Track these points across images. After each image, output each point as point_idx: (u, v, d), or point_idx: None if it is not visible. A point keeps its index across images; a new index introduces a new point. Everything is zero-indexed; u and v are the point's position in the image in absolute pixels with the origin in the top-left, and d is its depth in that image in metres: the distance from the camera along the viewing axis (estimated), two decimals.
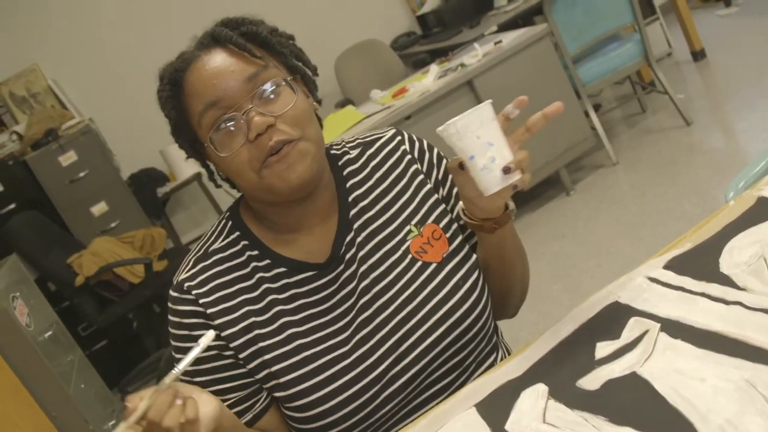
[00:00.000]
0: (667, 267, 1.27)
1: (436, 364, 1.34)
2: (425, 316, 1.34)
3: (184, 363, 1.11)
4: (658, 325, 1.14)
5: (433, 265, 1.38)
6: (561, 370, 1.15)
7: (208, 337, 1.14)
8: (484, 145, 1.17)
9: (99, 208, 5.44)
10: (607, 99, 5.84)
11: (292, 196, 1.29)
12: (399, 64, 6.11)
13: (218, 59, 1.27)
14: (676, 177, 4.08)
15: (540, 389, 1.13)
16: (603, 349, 1.15)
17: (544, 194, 4.71)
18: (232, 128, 1.25)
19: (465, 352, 1.37)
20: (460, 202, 1.36)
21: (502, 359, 1.45)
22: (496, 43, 4.43)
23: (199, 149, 1.33)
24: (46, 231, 4.86)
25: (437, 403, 1.34)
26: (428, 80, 4.38)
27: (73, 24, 6.01)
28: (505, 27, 5.09)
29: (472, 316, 1.36)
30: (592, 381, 1.09)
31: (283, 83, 1.28)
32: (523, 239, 1.46)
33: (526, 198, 4.66)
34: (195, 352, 1.12)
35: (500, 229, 1.33)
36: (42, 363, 3.34)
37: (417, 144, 1.48)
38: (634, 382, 1.05)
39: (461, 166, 1.21)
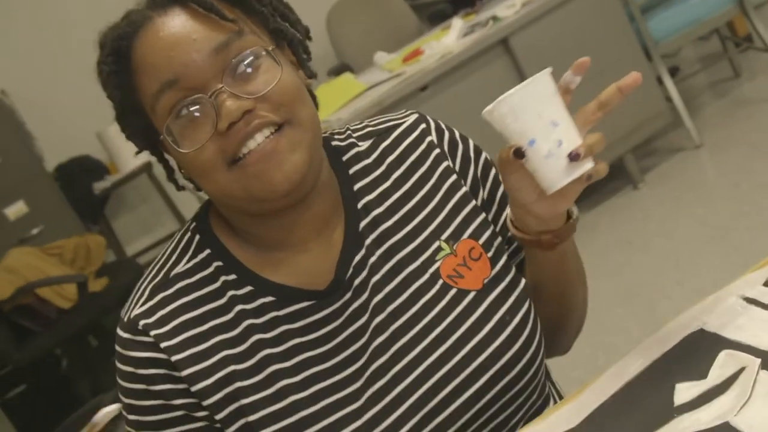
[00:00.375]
0: None
1: (474, 426, 1.31)
2: (462, 362, 1.30)
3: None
4: (759, 360, 1.13)
5: (472, 294, 1.35)
6: (629, 420, 1.15)
7: None
8: (547, 125, 1.17)
9: (15, 210, 5.46)
10: (687, 60, 5.86)
11: (276, 204, 1.26)
12: (411, 18, 6.12)
13: (176, 23, 1.23)
14: None
15: None
16: (685, 392, 1.15)
17: (603, 188, 4.71)
18: (196, 114, 1.22)
19: (512, 408, 1.34)
20: (508, 210, 1.34)
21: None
22: None
23: (153, 140, 1.30)
24: None
25: None
26: (450, 39, 4.39)
27: None
28: None
29: (523, 362, 1.33)
30: None
31: (264, 54, 1.24)
32: None
33: (581, 193, 4.64)
34: None
35: (561, 245, 1.32)
36: None
37: (447, 134, 1.45)
38: None
39: (518, 154, 1.18)
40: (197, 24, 1.23)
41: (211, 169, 1.23)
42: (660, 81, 4.56)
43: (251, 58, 1.23)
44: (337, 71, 5.23)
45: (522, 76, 4.24)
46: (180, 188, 1.40)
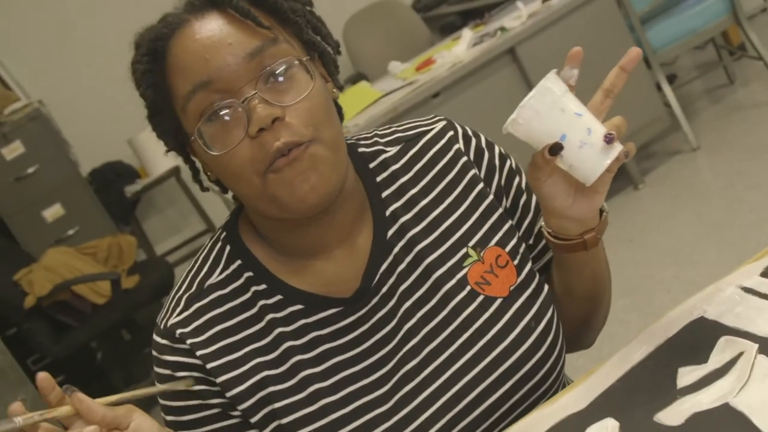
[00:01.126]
0: (765, 274, 1.27)
1: (500, 427, 1.30)
2: (488, 367, 1.29)
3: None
4: (756, 345, 1.13)
5: (499, 301, 1.32)
6: (634, 403, 1.15)
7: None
8: (572, 116, 1.16)
9: (53, 212, 5.47)
10: (684, 68, 5.83)
11: (305, 214, 1.23)
12: (423, 29, 6.11)
13: (213, 26, 1.20)
14: None
15: (609, 425, 1.13)
16: (687, 375, 1.15)
17: None
18: (226, 118, 1.19)
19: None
20: (542, 222, 1.33)
21: None
22: (544, 1, 4.44)
23: (183, 141, 1.28)
24: None
25: None
26: (460, 48, 4.39)
27: None
28: None
29: (547, 366, 1.32)
30: (674, 415, 1.09)
31: (297, 63, 1.21)
32: None
33: None
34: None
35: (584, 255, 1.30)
36: None
37: (474, 141, 1.41)
38: (726, 415, 1.05)
39: (554, 149, 1.16)
40: (233, 29, 1.20)
41: (240, 174, 1.20)
42: (659, 87, 4.56)
43: (284, 66, 1.20)
44: (353, 80, 5.22)
45: (528, 84, 4.24)
46: (204, 189, 1.39)
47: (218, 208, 5.82)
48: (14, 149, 5.37)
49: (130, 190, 6.01)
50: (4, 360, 3.88)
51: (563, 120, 1.16)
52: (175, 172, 6.03)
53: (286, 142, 1.17)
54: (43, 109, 5.64)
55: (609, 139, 1.16)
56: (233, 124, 1.19)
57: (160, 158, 5.92)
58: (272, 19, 1.24)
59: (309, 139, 1.19)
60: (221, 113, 1.19)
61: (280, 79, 1.20)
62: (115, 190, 5.93)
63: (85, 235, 5.39)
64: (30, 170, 5.41)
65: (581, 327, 1.47)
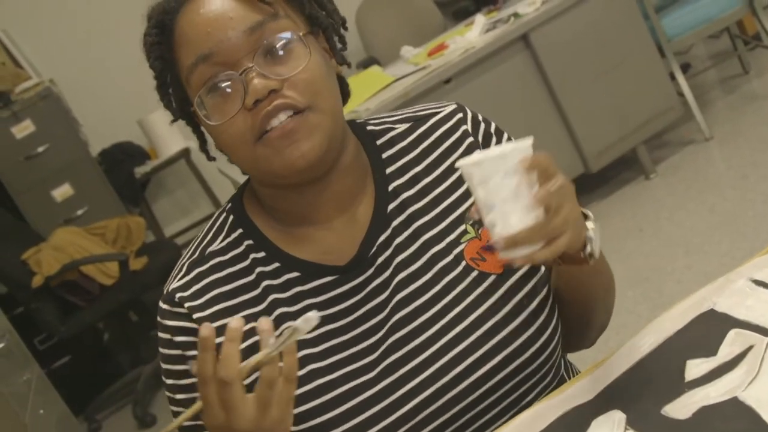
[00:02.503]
0: None
1: (486, 403, 1.31)
2: (478, 340, 1.30)
3: (280, 342, 1.08)
4: (766, 339, 1.13)
5: (493, 277, 1.34)
6: (642, 395, 1.15)
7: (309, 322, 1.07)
8: (486, 204, 1.11)
9: (62, 192, 5.49)
10: (698, 57, 5.82)
11: (294, 178, 1.27)
12: (436, 14, 6.11)
13: (217, 2, 1.25)
14: None
15: (616, 417, 1.13)
16: (695, 368, 1.15)
17: (617, 177, 4.70)
18: (228, 90, 1.24)
19: (524, 387, 1.33)
20: None
21: None
22: None
23: (188, 111, 1.33)
24: None
25: None
26: (473, 34, 4.38)
27: None
28: None
29: (538, 344, 1.32)
30: (681, 408, 1.09)
31: (295, 38, 1.25)
32: None
33: (595, 183, 4.66)
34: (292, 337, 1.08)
35: (570, 267, 1.29)
36: None
37: (482, 126, 1.43)
38: (735, 409, 1.05)
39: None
40: (235, 3, 1.25)
41: (238, 142, 1.25)
42: (672, 77, 4.54)
43: (283, 41, 1.25)
44: (365, 64, 5.22)
45: (541, 70, 4.23)
46: (211, 158, 1.42)
47: (227, 190, 5.83)
48: (24, 128, 5.38)
49: (140, 171, 6.03)
50: (10, 339, 3.90)
51: (479, 200, 1.12)
52: (185, 153, 6.05)
53: (277, 105, 1.22)
54: (54, 88, 5.65)
55: (489, 248, 1.17)
56: (232, 95, 1.24)
57: (170, 139, 5.95)
58: None
59: (305, 106, 1.24)
60: (220, 85, 1.24)
61: (279, 52, 1.25)
62: (124, 171, 5.95)
63: (94, 216, 5.41)
64: (40, 149, 5.43)
65: (576, 328, 1.47)
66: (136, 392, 4.85)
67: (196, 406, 1.11)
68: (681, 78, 4.57)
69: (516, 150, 1.10)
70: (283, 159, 1.24)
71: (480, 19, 4.52)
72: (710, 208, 3.97)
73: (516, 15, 4.33)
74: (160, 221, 6.41)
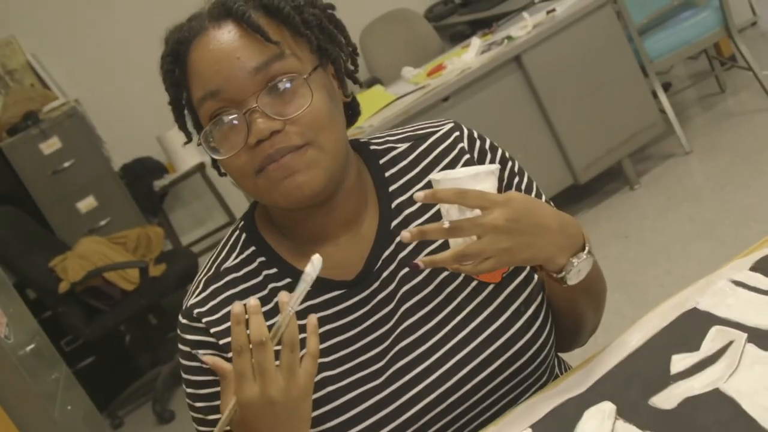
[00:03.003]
0: (754, 269, 1.27)
1: (486, 403, 1.31)
2: (479, 347, 1.30)
3: (295, 298, 1.11)
4: (745, 335, 1.14)
5: (491, 286, 1.34)
6: (630, 387, 1.15)
7: (315, 263, 1.10)
8: (443, 218, 1.18)
9: (86, 204, 5.49)
10: (678, 77, 5.82)
11: (295, 208, 1.28)
12: (434, 37, 6.11)
13: (226, 39, 1.23)
14: (762, 167, 4.06)
15: (606, 408, 1.13)
16: (680, 362, 1.15)
17: (603, 188, 4.70)
18: (234, 123, 1.23)
19: (522, 387, 1.34)
20: None
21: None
22: (548, 12, 4.43)
23: (200, 130, 1.30)
24: (25, 230, 4.90)
25: None
26: (469, 56, 4.38)
27: None
28: None
29: (534, 348, 1.33)
30: (667, 399, 1.10)
31: (299, 79, 1.23)
32: None
33: (583, 193, 4.66)
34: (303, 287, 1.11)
35: (551, 281, 1.29)
36: (23, 381, 3.37)
37: (478, 143, 1.42)
38: (716, 400, 1.05)
39: None
40: (243, 42, 1.22)
41: (241, 176, 1.25)
42: (655, 95, 4.54)
43: (287, 82, 1.22)
44: (368, 84, 5.22)
45: (532, 89, 4.24)
46: (222, 174, 1.39)
47: (240, 202, 5.84)
48: (52, 144, 5.39)
49: (159, 184, 6.03)
50: (40, 341, 3.90)
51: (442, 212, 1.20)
52: (200, 168, 6.05)
53: (279, 149, 1.21)
54: (79, 107, 5.66)
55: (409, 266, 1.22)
56: (237, 131, 1.23)
57: (186, 155, 5.95)
58: (284, 28, 1.26)
59: (304, 142, 1.22)
60: (226, 120, 1.23)
61: (283, 93, 1.22)
62: (144, 184, 5.94)
63: (116, 226, 5.42)
64: (66, 164, 5.43)
65: (568, 333, 1.47)
66: (155, 390, 4.85)
67: (232, 406, 1.12)
68: (663, 96, 4.57)
69: (477, 175, 1.18)
70: (281, 192, 1.23)
71: (476, 42, 4.52)
72: (690, 217, 3.97)
73: (509, 38, 4.33)
74: (177, 231, 6.40)
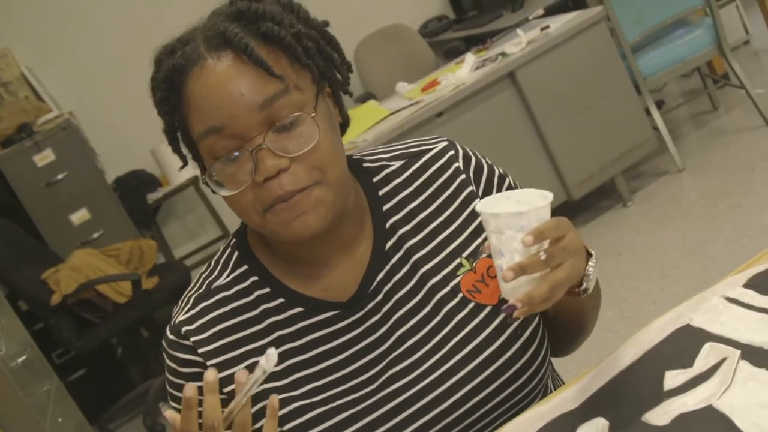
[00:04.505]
0: (748, 285, 1.27)
1: (478, 426, 1.30)
2: (474, 370, 1.29)
3: (250, 384, 1.07)
4: (738, 351, 1.13)
5: (488, 308, 1.32)
6: (624, 403, 1.15)
7: (270, 357, 1.06)
8: (496, 250, 1.14)
9: (79, 216, 5.48)
10: (671, 94, 5.83)
11: (299, 242, 1.26)
12: (429, 53, 6.13)
13: (227, 73, 1.18)
14: (754, 186, 4.07)
15: (600, 424, 1.13)
16: (673, 378, 1.15)
17: (596, 205, 4.71)
18: (237, 162, 1.20)
19: (515, 411, 1.32)
20: None
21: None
22: (542, 29, 4.45)
23: (196, 153, 1.28)
24: (17, 242, 4.90)
25: None
26: (463, 72, 4.39)
27: (50, 3, 6.05)
28: (553, 10, 5.10)
29: (529, 372, 1.32)
30: (660, 415, 1.09)
31: (305, 116, 1.20)
32: None
33: (577, 210, 4.66)
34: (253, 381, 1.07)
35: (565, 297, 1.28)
36: (14, 392, 3.36)
37: (473, 161, 1.41)
38: (710, 416, 1.05)
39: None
40: (246, 77, 1.18)
41: (248, 211, 1.23)
42: (648, 112, 4.55)
43: (293, 120, 1.19)
44: (363, 99, 5.23)
45: (526, 105, 4.25)
46: (215, 192, 1.39)
47: (234, 217, 5.81)
48: (45, 157, 5.38)
49: (152, 197, 6.02)
50: (31, 352, 3.89)
51: (492, 242, 1.14)
52: (194, 181, 6.04)
53: (289, 191, 1.19)
54: (73, 120, 5.66)
55: (504, 311, 1.12)
56: (242, 168, 1.20)
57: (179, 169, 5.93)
58: (283, 56, 1.21)
59: (313, 182, 1.21)
60: (233, 158, 1.20)
61: (289, 130, 1.19)
62: (137, 197, 5.93)
63: (109, 239, 5.40)
64: (59, 176, 5.42)
65: (565, 343, 1.48)
66: (146, 403, 4.83)
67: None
68: (656, 113, 4.58)
69: (533, 210, 1.11)
70: (290, 230, 1.22)
71: (470, 58, 4.54)
72: (683, 234, 3.98)
73: (503, 54, 4.34)
74: (170, 244, 6.39)
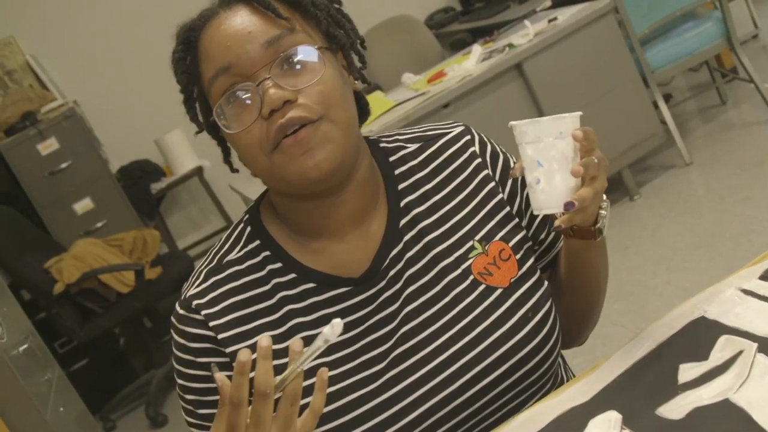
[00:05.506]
0: (764, 277, 1.26)
1: (488, 410, 1.29)
2: (483, 352, 1.28)
3: (307, 355, 1.04)
4: (755, 344, 1.12)
5: (499, 291, 1.32)
6: (637, 396, 1.13)
7: (335, 327, 1.03)
8: (533, 161, 1.17)
9: (83, 205, 5.48)
10: (679, 88, 5.82)
11: (309, 189, 1.25)
12: (435, 44, 6.11)
13: (237, 17, 1.24)
14: (762, 180, 4.06)
15: (612, 418, 1.11)
16: (688, 371, 1.13)
17: None
18: (246, 100, 1.22)
19: (526, 394, 1.32)
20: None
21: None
22: (550, 21, 4.43)
23: (214, 124, 1.29)
24: (20, 230, 4.90)
25: None
26: (470, 63, 4.37)
27: None
28: (560, 2, 5.07)
29: (540, 355, 1.31)
30: (675, 409, 1.08)
31: (311, 51, 1.23)
32: None
33: None
34: (317, 346, 1.04)
35: (579, 242, 1.31)
36: (16, 381, 3.35)
37: (489, 146, 1.43)
38: (726, 410, 1.03)
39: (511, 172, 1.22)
40: (254, 19, 1.23)
41: (255, 150, 1.23)
42: (655, 105, 4.54)
43: (298, 53, 1.23)
44: (369, 90, 5.22)
45: (533, 97, 4.23)
46: (234, 170, 1.38)
47: (237, 206, 5.82)
48: (49, 145, 5.39)
49: (156, 187, 6.03)
50: (33, 341, 3.87)
51: (526, 157, 1.18)
52: (198, 171, 6.04)
53: (291, 118, 1.20)
54: (78, 109, 5.66)
55: (567, 207, 1.16)
56: (250, 105, 1.22)
57: (184, 158, 5.95)
58: (294, 11, 1.27)
59: (318, 116, 1.21)
60: (238, 95, 1.23)
61: (295, 65, 1.22)
62: (141, 187, 5.94)
63: (112, 228, 5.41)
64: (63, 165, 5.42)
65: (578, 323, 1.47)
66: (148, 394, 4.83)
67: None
68: (663, 107, 4.57)
69: (570, 118, 1.15)
70: (298, 168, 1.21)
71: (476, 49, 4.51)
72: (690, 228, 3.96)
73: (510, 45, 4.32)
74: (173, 234, 6.39)
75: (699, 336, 1.19)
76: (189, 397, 1.32)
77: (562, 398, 1.22)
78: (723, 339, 1.16)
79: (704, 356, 1.14)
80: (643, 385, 1.15)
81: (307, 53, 1.23)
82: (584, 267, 1.38)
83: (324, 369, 1.09)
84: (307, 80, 1.21)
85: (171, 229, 6.42)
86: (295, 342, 1.06)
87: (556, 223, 1.18)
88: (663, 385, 1.13)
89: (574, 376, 1.49)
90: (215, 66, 1.23)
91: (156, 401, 4.79)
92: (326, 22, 1.29)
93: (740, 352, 1.12)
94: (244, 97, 1.22)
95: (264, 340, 1.05)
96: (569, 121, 1.15)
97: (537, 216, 1.41)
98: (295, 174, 1.22)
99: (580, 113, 1.17)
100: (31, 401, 3.38)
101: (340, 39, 1.31)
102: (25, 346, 3.71)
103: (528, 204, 1.40)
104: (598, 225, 1.26)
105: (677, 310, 1.27)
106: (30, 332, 3.94)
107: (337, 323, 1.03)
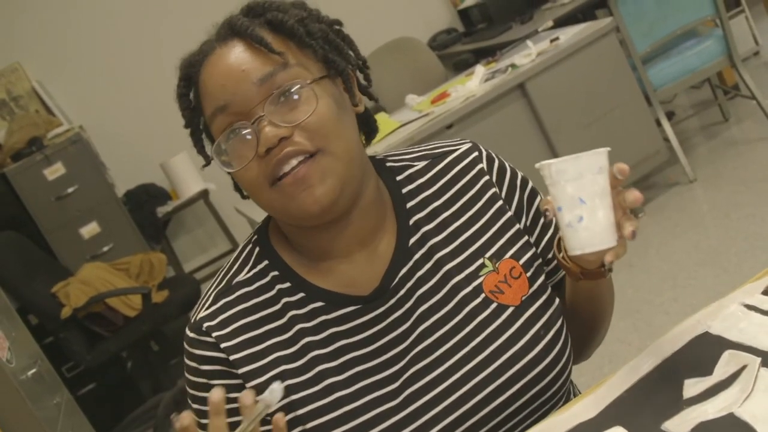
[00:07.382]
0: (766, 292, 1.26)
1: (504, 429, 1.30)
2: (497, 370, 1.28)
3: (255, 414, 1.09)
4: (759, 359, 1.12)
5: (511, 309, 1.32)
6: (642, 412, 1.14)
7: (274, 393, 1.10)
8: (574, 199, 1.14)
9: (90, 230, 5.50)
10: (682, 106, 5.83)
11: (312, 222, 1.26)
12: (438, 65, 6.13)
13: (231, 55, 1.25)
14: (766, 195, 4.06)
15: None
16: (692, 387, 1.14)
17: None
18: (248, 136, 1.23)
19: (540, 413, 1.32)
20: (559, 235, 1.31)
21: None
22: (552, 41, 4.45)
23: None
24: (28, 255, 4.91)
25: None
26: (473, 83, 4.39)
27: (60, 17, 6.10)
28: (562, 22, 5.10)
29: (553, 373, 1.31)
30: (680, 424, 1.08)
31: (304, 85, 1.23)
32: None
33: None
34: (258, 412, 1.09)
35: (588, 282, 1.30)
36: (25, 405, 3.35)
37: (496, 163, 1.43)
38: (731, 424, 1.04)
39: (544, 213, 1.19)
40: (248, 56, 1.24)
41: (255, 187, 1.25)
42: (658, 123, 4.55)
43: (291, 89, 1.23)
44: (373, 111, 5.23)
45: (537, 117, 4.25)
46: (245, 197, 1.39)
47: (243, 229, 5.83)
48: (56, 170, 5.41)
49: (162, 210, 6.04)
50: (42, 365, 3.88)
51: (565, 197, 1.15)
52: (203, 194, 6.05)
53: (287, 152, 1.21)
54: (84, 134, 5.68)
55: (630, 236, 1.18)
56: (247, 143, 1.23)
57: (190, 181, 5.96)
58: (289, 42, 1.27)
59: (315, 149, 1.22)
60: (236, 133, 1.24)
61: (288, 100, 1.23)
62: (147, 211, 5.95)
63: (118, 252, 5.43)
64: (69, 190, 5.45)
65: (582, 343, 1.48)
66: (156, 417, 4.81)
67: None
68: (666, 124, 4.58)
69: (605, 152, 1.14)
70: (298, 205, 1.22)
71: (480, 70, 4.54)
72: (695, 245, 3.97)
73: (513, 66, 4.35)
74: (180, 257, 6.40)
75: (703, 351, 1.20)
76: (204, 421, 1.30)
77: (568, 415, 1.22)
78: (727, 354, 1.16)
79: (709, 371, 1.15)
80: (649, 401, 1.15)
81: (300, 89, 1.23)
82: (591, 300, 1.38)
83: (280, 415, 1.12)
84: (302, 114, 1.22)
85: (177, 253, 6.43)
86: (245, 396, 1.09)
87: (607, 259, 1.17)
88: (668, 400, 1.13)
89: (581, 392, 1.49)
90: (213, 105, 1.25)
91: (163, 425, 4.76)
92: (323, 50, 1.29)
93: (744, 367, 1.12)
94: (241, 135, 1.23)
95: (215, 394, 1.09)
96: (606, 155, 1.14)
97: (545, 235, 1.41)
98: (297, 210, 1.23)
99: (606, 149, 1.15)
100: (40, 425, 3.39)
101: (339, 64, 1.31)
102: (34, 370, 3.71)
103: (535, 221, 1.41)
104: (607, 265, 1.24)
105: (681, 326, 1.27)
106: (38, 356, 3.94)
107: (277, 388, 1.09)
